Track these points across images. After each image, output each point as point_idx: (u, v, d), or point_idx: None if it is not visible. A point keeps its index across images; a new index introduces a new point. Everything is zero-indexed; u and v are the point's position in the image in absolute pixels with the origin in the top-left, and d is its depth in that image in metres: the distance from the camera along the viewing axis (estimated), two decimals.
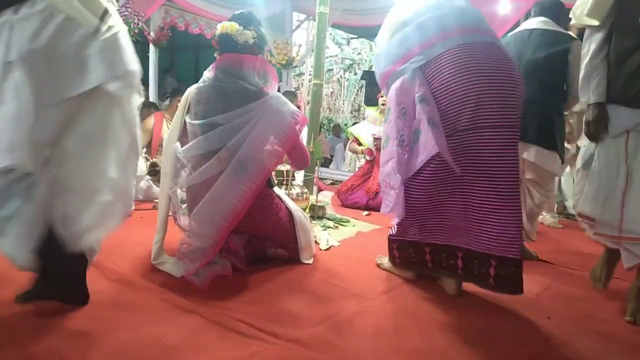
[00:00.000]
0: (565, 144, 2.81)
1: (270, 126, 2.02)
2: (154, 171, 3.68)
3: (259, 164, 1.97)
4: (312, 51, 4.25)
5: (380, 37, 2.13)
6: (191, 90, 2.18)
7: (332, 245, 2.74)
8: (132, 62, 1.46)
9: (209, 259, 1.94)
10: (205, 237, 1.94)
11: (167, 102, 4.25)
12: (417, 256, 2.08)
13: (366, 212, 4.02)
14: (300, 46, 6.90)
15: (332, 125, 10.36)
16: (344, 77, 11.74)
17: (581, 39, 2.11)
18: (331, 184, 6.20)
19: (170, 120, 3.98)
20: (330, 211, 3.60)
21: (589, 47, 1.97)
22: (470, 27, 1.90)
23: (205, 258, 1.93)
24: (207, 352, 1.42)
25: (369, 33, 8.37)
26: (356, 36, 11.42)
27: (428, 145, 1.82)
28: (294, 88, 7.81)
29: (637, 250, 1.86)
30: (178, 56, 11.71)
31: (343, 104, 11.59)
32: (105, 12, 1.39)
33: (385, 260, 2.35)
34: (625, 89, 1.85)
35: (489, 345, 1.61)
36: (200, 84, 2.13)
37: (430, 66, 1.87)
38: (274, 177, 2.28)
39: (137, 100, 1.54)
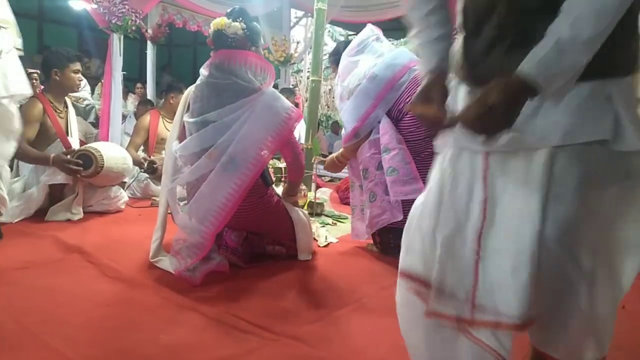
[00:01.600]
0: None
1: (262, 122, 2.01)
2: (152, 169, 3.67)
3: (249, 162, 1.96)
4: (310, 48, 4.24)
5: (339, 103, 2.62)
6: (191, 88, 2.18)
7: (331, 242, 2.74)
8: None
9: (201, 256, 1.94)
10: (196, 235, 1.95)
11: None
12: (396, 241, 2.26)
13: None
14: (298, 43, 6.88)
15: (330, 122, 10.34)
16: None
17: None
18: (329, 181, 6.18)
19: (167, 118, 3.98)
20: (328, 208, 3.60)
21: None
22: (414, 60, 2.37)
23: (197, 255, 1.93)
24: (206, 349, 1.42)
25: None
26: (355, 33, 11.40)
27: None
28: (292, 85, 7.80)
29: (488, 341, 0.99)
30: (176, 53, 11.69)
31: None
32: None
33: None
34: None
35: None
36: (197, 81, 2.13)
37: (400, 101, 2.34)
38: (271, 174, 2.27)
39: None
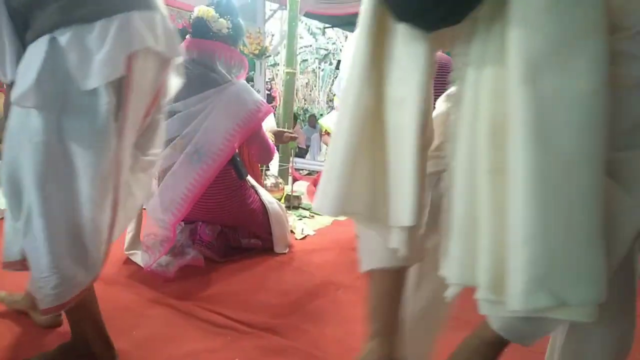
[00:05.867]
0: None
1: (229, 112, 1.99)
2: None
3: (214, 152, 1.94)
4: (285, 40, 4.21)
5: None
6: None
7: (308, 235, 2.74)
8: None
9: (168, 247, 1.92)
10: (160, 228, 1.93)
11: None
12: None
13: None
14: (273, 35, 6.83)
15: (307, 115, 10.33)
16: (320, 68, 11.70)
17: None
18: (307, 174, 6.18)
19: None
20: (306, 201, 3.60)
21: None
22: None
23: (165, 248, 1.91)
24: (179, 344, 1.41)
25: (344, 22, 8.35)
26: (331, 26, 11.36)
27: None
28: (269, 79, 7.75)
29: None
30: None
31: (318, 94, 11.57)
32: None
33: None
34: None
35: (459, 326, 1.63)
36: None
37: None
38: (244, 167, 2.25)
39: None
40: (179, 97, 2.00)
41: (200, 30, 2.06)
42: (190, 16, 2.11)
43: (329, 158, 0.75)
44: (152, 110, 1.26)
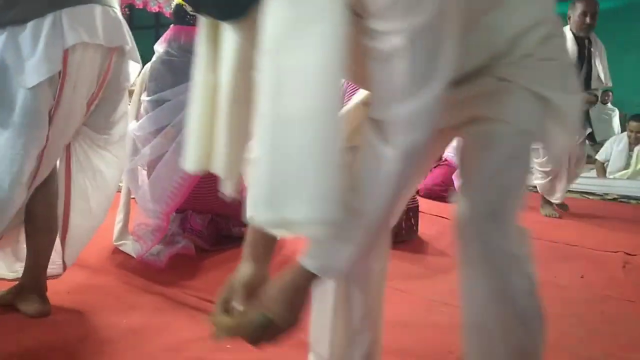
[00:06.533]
0: None
1: None
2: None
3: None
4: None
5: None
6: (147, 66, 2.12)
7: None
8: None
9: (160, 237, 1.91)
10: (153, 217, 1.92)
11: None
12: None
13: None
14: None
15: None
16: None
17: None
18: None
19: None
20: None
21: None
22: None
23: (157, 237, 1.90)
24: (170, 332, 1.41)
25: None
26: None
27: None
28: None
29: None
30: (137, 36, 11.33)
31: None
32: None
33: None
34: None
35: (449, 314, 1.65)
36: (153, 59, 2.08)
37: None
38: None
39: None
40: (166, 85, 1.99)
41: (178, 16, 2.07)
42: (172, 7, 2.10)
43: (187, 126, 0.92)
44: (99, 94, 1.35)
